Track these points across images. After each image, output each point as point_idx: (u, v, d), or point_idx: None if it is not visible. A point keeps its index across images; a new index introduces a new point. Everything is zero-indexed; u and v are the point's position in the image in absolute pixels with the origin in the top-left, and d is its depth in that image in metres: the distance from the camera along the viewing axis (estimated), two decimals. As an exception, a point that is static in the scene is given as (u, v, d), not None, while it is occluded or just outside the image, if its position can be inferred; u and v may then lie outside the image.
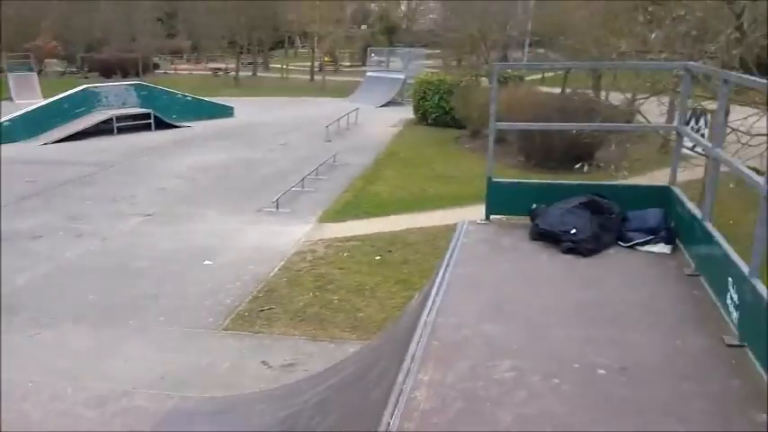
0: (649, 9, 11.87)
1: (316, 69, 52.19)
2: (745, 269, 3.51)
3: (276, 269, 10.95)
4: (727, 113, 8.85)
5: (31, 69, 43.15)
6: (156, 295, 10.04)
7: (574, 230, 5.01)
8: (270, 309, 9.37)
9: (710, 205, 4.56)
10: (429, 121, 26.95)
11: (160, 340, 8.62)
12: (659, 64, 10.19)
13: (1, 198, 14.97)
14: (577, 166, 14.77)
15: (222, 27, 52.99)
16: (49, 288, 10.44)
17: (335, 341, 8.36)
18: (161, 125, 26.33)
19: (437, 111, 26.75)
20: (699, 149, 8.01)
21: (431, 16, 61.52)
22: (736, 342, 3.50)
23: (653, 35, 11.09)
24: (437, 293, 4.31)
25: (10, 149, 22.08)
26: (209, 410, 6.87)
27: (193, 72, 56.35)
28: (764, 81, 4.22)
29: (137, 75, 47.59)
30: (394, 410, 3.01)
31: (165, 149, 22.16)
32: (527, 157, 18.62)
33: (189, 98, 29.60)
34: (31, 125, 24.48)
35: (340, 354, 7.73)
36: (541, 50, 44.47)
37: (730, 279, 3.71)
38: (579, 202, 5.22)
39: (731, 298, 3.70)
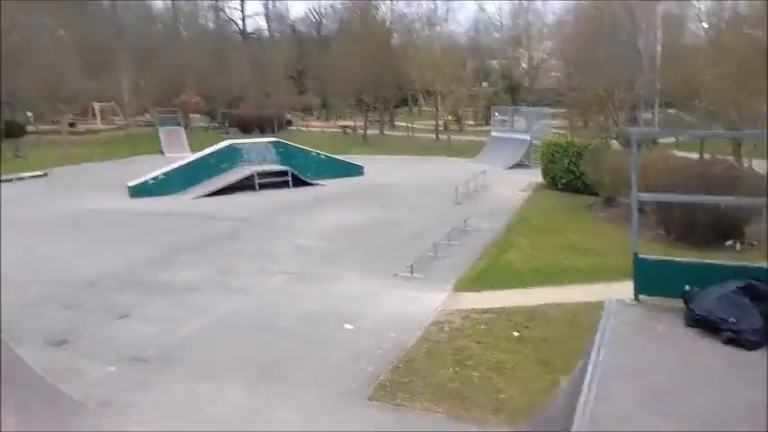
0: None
1: (440, 128, 53.09)
2: None
3: (415, 339, 11.16)
4: None
5: (178, 124, 46.79)
6: (303, 356, 10.52)
7: (733, 319, 4.75)
8: (411, 381, 9.58)
9: None
10: (559, 186, 26.68)
11: (308, 404, 8.98)
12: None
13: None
14: (728, 243, 14.08)
15: (349, 85, 54.94)
16: (206, 342, 11.20)
17: (479, 422, 8.39)
18: (297, 182, 27.74)
19: (567, 175, 26.43)
20: None
21: (553, 74, 61.14)
22: None
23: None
24: (591, 380, 4.24)
25: (165, 202, 24.18)
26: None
27: (324, 129, 58.77)
28: None
29: (272, 131, 50.37)
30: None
31: (304, 207, 23.31)
32: (666, 230, 18.01)
33: (322, 156, 31.01)
34: (183, 179, 26.59)
35: (484, 436, 7.82)
36: (672, 111, 43.11)
37: None
38: (737, 287, 4.95)
39: None
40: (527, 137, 36.27)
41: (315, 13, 77.99)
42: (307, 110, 68.33)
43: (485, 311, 12.39)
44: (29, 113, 52.75)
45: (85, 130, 54.30)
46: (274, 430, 8.26)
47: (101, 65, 54.24)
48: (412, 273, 14.88)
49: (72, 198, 25.21)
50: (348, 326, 11.87)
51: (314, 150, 31.47)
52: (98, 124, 57.85)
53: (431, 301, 13.06)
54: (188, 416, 8.58)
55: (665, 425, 3.73)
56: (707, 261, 6.24)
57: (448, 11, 64.54)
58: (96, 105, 58.14)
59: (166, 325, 11.87)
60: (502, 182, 28.18)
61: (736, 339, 4.67)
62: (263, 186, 26.78)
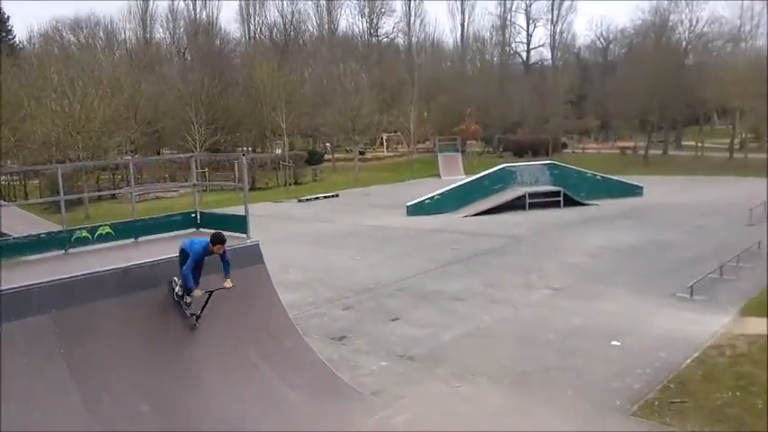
0: None
1: (736, 147, 48.14)
2: None
3: (689, 360, 10.30)
4: None
5: (456, 150, 49.01)
6: (564, 368, 10.30)
7: None
8: (682, 402, 8.84)
9: None
10: None
11: (567, 413, 8.78)
12: None
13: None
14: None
15: (633, 107, 53.24)
16: (469, 346, 11.54)
17: (761, 450, 7.50)
18: (569, 202, 27.25)
19: None
20: None
21: None
22: None
23: None
24: None
25: (438, 219, 25.44)
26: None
27: (601, 151, 57.09)
28: None
29: (546, 154, 50.29)
30: None
31: (574, 226, 22.85)
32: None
33: (598, 177, 30.10)
34: (456, 199, 27.78)
35: (766, 466, 6.94)
36: None
37: None
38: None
39: None
40: None
41: (602, 39, 76.55)
42: (584, 133, 67.02)
43: (778, 338, 10.93)
44: (327, 144, 59.58)
45: (372, 157, 59.42)
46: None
47: (392, 101, 59.37)
48: (691, 294, 13.71)
49: (357, 216, 27.83)
50: (615, 342, 11.34)
51: (589, 171, 30.67)
52: (384, 152, 62.90)
53: (711, 324, 11.91)
54: (449, 410, 8.93)
55: None
56: None
57: (758, 27, 58.30)
58: (384, 135, 63.35)
59: (434, 329, 12.47)
60: (811, 203, 24.51)
61: None
62: (533, 206, 26.83)
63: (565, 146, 59.73)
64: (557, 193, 27.58)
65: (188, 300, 8.34)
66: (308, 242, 22.13)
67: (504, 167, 30.00)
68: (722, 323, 11.98)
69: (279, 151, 50.46)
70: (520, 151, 54.28)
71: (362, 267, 17.99)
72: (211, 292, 8.30)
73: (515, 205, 26.99)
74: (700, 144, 50.58)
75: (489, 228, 23.41)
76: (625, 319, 12.53)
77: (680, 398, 8.98)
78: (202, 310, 8.40)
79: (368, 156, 59.46)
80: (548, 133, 55.95)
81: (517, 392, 9.49)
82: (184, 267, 7.95)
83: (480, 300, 14.35)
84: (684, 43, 57.33)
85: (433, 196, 27.90)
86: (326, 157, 57.13)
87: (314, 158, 51.98)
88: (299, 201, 34.20)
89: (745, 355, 10.36)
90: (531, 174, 29.39)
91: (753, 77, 45.31)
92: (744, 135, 50.49)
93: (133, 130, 40.83)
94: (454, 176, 38.63)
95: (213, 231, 8.48)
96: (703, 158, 47.65)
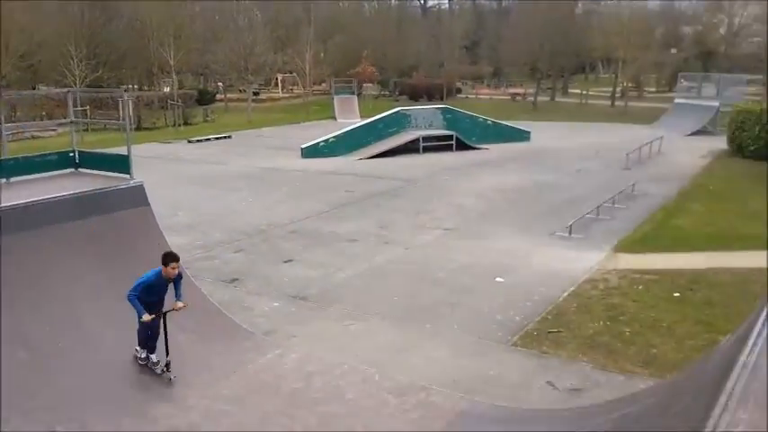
0: None
1: (617, 95, 50.67)
2: None
3: (566, 294, 10.97)
4: None
5: (352, 93, 48.64)
6: (452, 304, 10.72)
7: None
8: (558, 332, 9.44)
9: None
10: (746, 154, 24.51)
11: (454, 346, 9.18)
12: None
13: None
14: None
15: (524, 54, 54.52)
16: (361, 286, 11.74)
17: (625, 374, 8.13)
18: (461, 146, 27.86)
19: (757, 143, 24.18)
20: None
21: (755, 39, 55.81)
22: None
23: None
24: (758, 335, 3.95)
25: (333, 162, 25.38)
26: (498, 418, 7.19)
27: (493, 97, 58.52)
28: None
29: (441, 98, 50.90)
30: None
31: (465, 170, 23.44)
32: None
33: (489, 122, 30.85)
34: (351, 142, 27.73)
35: (629, 387, 7.55)
36: None
37: None
38: None
39: None
40: (715, 103, 33.70)
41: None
42: (477, 78, 68.36)
43: (645, 272, 11.83)
44: (219, 84, 57.57)
45: (267, 98, 58.11)
46: (419, 364, 8.54)
47: (288, 40, 57.82)
48: (570, 233, 14.52)
49: (251, 158, 27.30)
50: (499, 279, 11.87)
51: (481, 116, 31.35)
52: (279, 93, 61.61)
53: (587, 260, 12.70)
54: (340, 347, 9.09)
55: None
56: None
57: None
58: (279, 76, 61.91)
59: (327, 270, 12.57)
60: (680, 148, 26.40)
61: None
62: (427, 150, 27.25)
63: (459, 91, 60.76)
64: (449, 137, 28.08)
65: (153, 359, 7.77)
66: (198, 184, 21.52)
67: (398, 111, 30.15)
68: (597, 259, 12.80)
69: (167, 89, 48.19)
70: (415, 95, 54.73)
71: (255, 210, 17.76)
72: (164, 315, 7.59)
73: (409, 149, 27.28)
74: (584, 92, 52.89)
75: (383, 170, 23.62)
76: (510, 257, 13.12)
77: (556, 328, 9.57)
78: (167, 353, 7.65)
79: (262, 96, 58.07)
80: (443, 78, 56.58)
81: (407, 328, 9.78)
82: (128, 292, 7.25)
83: (373, 240, 14.57)
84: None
85: (328, 139, 27.71)
86: (218, 96, 55.26)
87: (205, 98, 50.12)
88: (189, 142, 33.00)
89: (615, 288, 11.15)
90: (425, 118, 29.71)
91: (635, 29, 47.53)
92: (625, 84, 53.03)
93: (4, 63, 37.69)
94: (350, 119, 38.49)
95: (165, 252, 7.58)
96: (587, 106, 49.98)
